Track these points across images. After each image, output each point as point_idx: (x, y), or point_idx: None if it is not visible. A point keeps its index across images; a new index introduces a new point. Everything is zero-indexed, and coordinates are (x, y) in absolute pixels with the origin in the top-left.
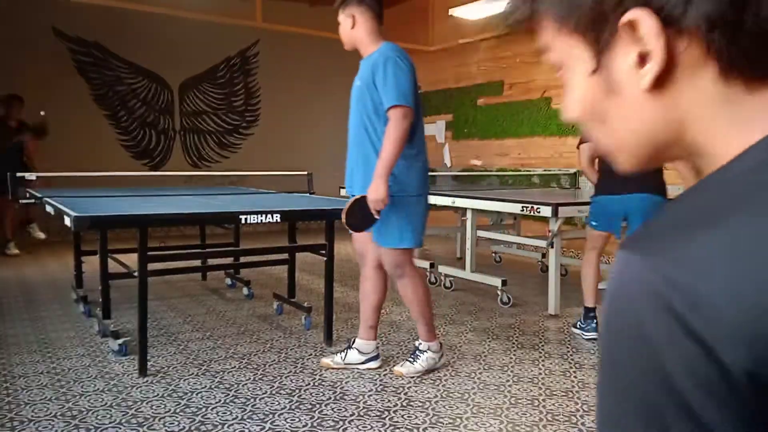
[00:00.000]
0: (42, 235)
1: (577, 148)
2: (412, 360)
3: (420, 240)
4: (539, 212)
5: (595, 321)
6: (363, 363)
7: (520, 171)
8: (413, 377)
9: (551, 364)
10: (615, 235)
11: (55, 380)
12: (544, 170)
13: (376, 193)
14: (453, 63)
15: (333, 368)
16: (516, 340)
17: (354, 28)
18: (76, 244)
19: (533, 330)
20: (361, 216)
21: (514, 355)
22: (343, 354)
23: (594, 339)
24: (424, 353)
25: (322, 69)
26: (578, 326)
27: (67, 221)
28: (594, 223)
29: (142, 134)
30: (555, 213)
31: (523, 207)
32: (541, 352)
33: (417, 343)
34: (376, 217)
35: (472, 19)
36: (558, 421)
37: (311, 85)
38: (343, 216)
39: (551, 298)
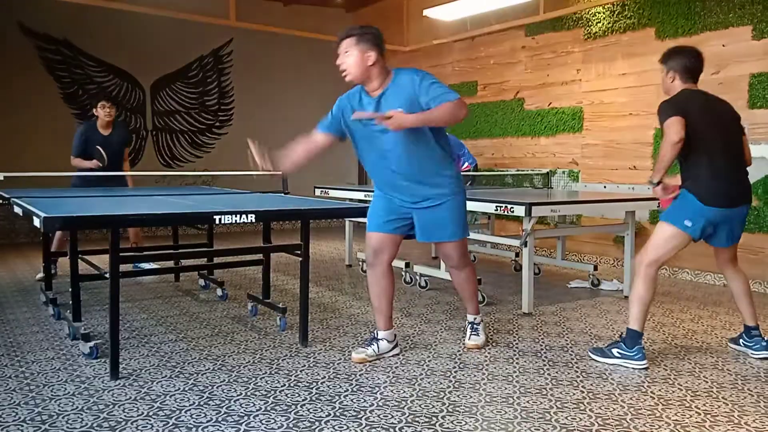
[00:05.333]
0: None
1: (662, 125)
2: (477, 334)
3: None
4: (513, 212)
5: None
6: (390, 351)
7: (493, 171)
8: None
9: (525, 361)
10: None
11: (24, 384)
12: (517, 170)
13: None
14: (428, 63)
15: (367, 362)
16: (490, 338)
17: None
18: (45, 245)
19: (507, 328)
20: None
21: (489, 353)
22: (375, 347)
23: (643, 367)
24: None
25: (296, 68)
26: (617, 353)
27: (37, 222)
28: (689, 224)
29: None
30: (528, 212)
31: (497, 206)
32: (515, 351)
33: (473, 318)
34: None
35: (446, 20)
36: (532, 418)
37: (285, 84)
38: None
39: (525, 297)
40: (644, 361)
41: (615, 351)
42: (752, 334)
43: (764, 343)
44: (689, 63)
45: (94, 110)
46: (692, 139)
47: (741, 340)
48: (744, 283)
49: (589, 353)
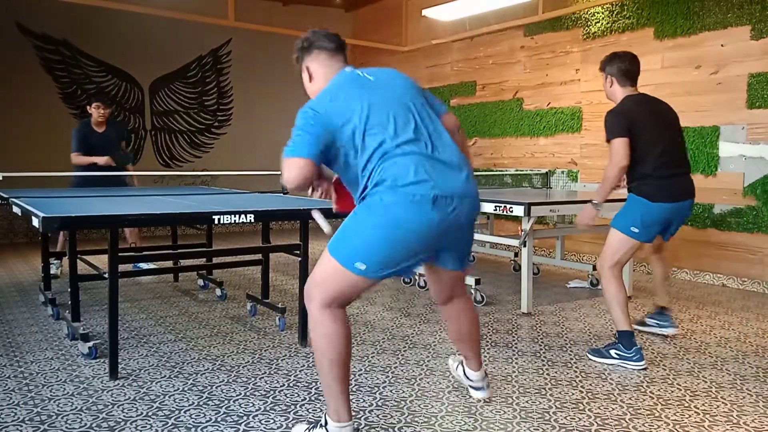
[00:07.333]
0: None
1: (608, 142)
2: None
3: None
4: (512, 212)
5: (639, 347)
6: None
7: (492, 171)
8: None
9: (524, 361)
10: (647, 242)
11: (23, 384)
12: (516, 170)
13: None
14: (426, 63)
15: None
16: (489, 339)
17: (312, 82)
18: (44, 245)
19: (506, 328)
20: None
21: (488, 353)
22: None
23: (641, 368)
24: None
25: (294, 68)
26: (615, 354)
27: (36, 222)
28: (636, 230)
29: None
30: (527, 212)
31: (496, 206)
32: (514, 350)
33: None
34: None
35: (445, 20)
36: (531, 418)
37: (284, 84)
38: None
39: (524, 297)
40: (642, 362)
41: (613, 352)
42: (664, 313)
43: (672, 321)
44: (623, 66)
45: (89, 108)
46: (637, 146)
47: (652, 320)
48: (667, 268)
49: (588, 354)
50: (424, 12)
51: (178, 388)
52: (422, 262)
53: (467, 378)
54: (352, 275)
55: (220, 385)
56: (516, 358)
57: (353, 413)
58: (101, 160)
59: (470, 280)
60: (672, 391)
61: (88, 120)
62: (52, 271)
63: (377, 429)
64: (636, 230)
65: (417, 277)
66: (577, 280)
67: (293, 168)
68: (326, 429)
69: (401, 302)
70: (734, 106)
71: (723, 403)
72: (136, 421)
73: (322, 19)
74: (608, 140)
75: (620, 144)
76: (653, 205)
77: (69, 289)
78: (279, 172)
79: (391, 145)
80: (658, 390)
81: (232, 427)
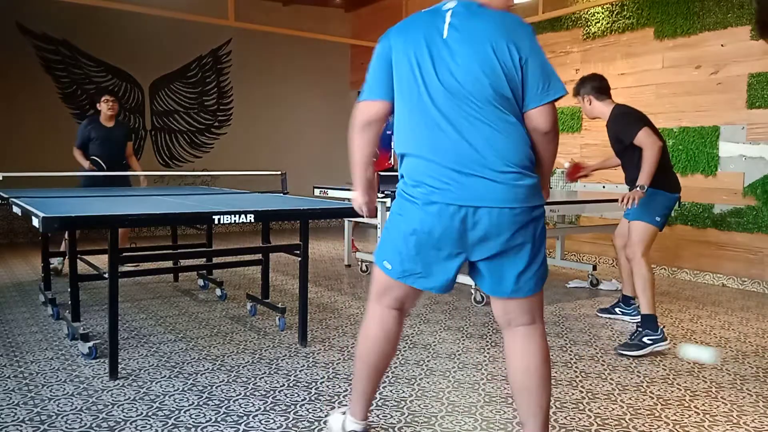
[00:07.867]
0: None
1: (630, 144)
2: None
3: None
4: None
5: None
6: None
7: None
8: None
9: None
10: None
11: (23, 384)
12: None
13: None
14: None
15: None
16: (490, 339)
17: None
18: (44, 245)
19: None
20: None
21: (488, 353)
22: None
23: (668, 346)
24: None
25: (295, 68)
26: (649, 340)
27: (36, 222)
28: (659, 219)
29: None
30: None
31: None
32: None
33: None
34: None
35: None
36: None
37: (284, 84)
38: None
39: None
40: (668, 341)
41: (646, 339)
42: (631, 303)
43: (636, 309)
44: (596, 84)
45: (98, 105)
46: None
47: (617, 309)
48: None
49: (620, 352)
50: None
51: (178, 388)
52: (451, 273)
53: None
54: (384, 274)
55: (220, 385)
56: None
57: None
58: (85, 164)
59: (469, 280)
60: (672, 391)
61: (96, 116)
62: (53, 264)
63: (377, 429)
64: (659, 219)
65: None
66: (577, 280)
67: (356, 112)
68: (344, 415)
69: None
70: (734, 106)
71: (723, 403)
72: (136, 421)
73: (322, 18)
74: (630, 141)
75: (646, 131)
76: (671, 195)
77: (69, 289)
78: (278, 173)
79: (415, 141)
80: (658, 390)
81: (232, 427)
